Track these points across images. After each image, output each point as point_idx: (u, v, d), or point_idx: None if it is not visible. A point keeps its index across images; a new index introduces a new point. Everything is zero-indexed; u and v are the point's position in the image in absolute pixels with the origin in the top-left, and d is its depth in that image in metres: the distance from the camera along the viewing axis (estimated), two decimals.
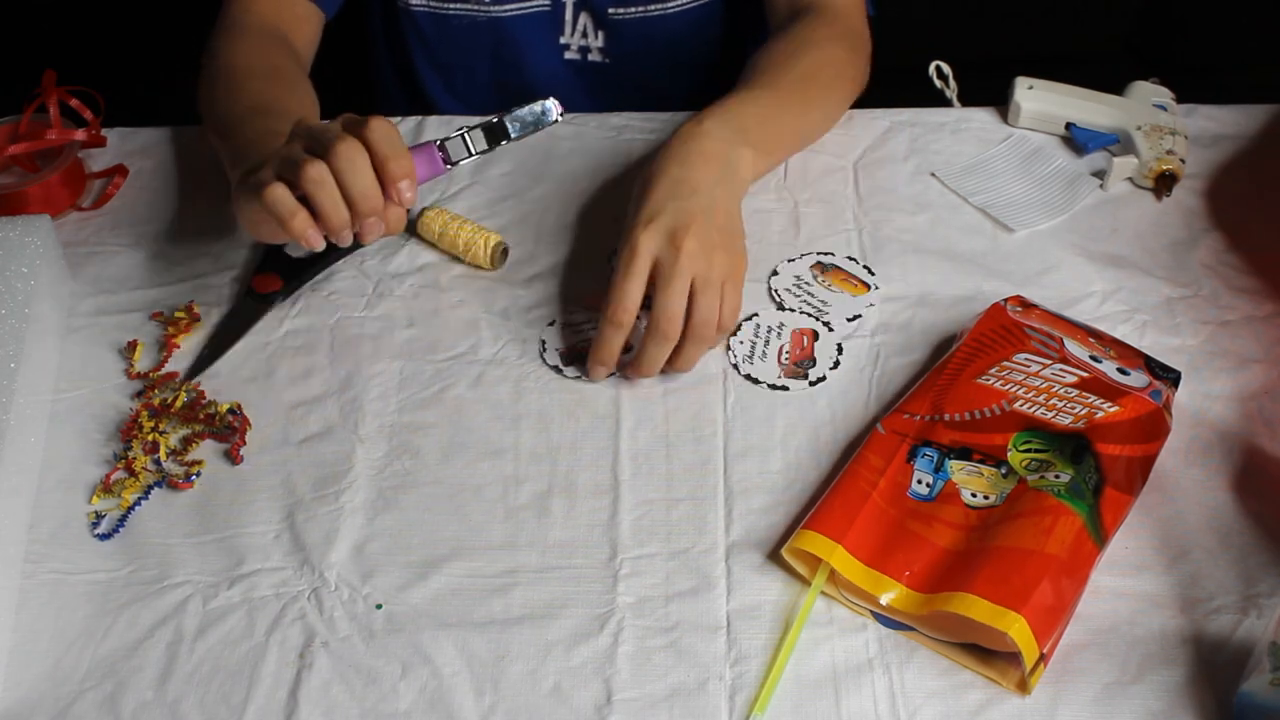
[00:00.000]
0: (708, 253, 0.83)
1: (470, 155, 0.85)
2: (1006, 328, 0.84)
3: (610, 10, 1.12)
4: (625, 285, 0.83)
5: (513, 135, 0.85)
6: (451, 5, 1.12)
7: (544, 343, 0.89)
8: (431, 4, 1.12)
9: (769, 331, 0.90)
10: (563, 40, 1.15)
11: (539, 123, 0.86)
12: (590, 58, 1.16)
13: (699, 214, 0.84)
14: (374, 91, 1.28)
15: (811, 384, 0.86)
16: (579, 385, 0.87)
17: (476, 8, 1.11)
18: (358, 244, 0.81)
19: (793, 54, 0.99)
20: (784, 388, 0.86)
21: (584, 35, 1.15)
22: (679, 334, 0.83)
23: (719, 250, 0.84)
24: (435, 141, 0.84)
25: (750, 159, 0.90)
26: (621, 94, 1.15)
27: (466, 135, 0.84)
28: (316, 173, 0.76)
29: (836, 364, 0.88)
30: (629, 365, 0.86)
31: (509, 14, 1.12)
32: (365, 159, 0.77)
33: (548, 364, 0.88)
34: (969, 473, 0.77)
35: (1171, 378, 0.83)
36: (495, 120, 0.85)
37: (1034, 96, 1.05)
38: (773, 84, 0.96)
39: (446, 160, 0.84)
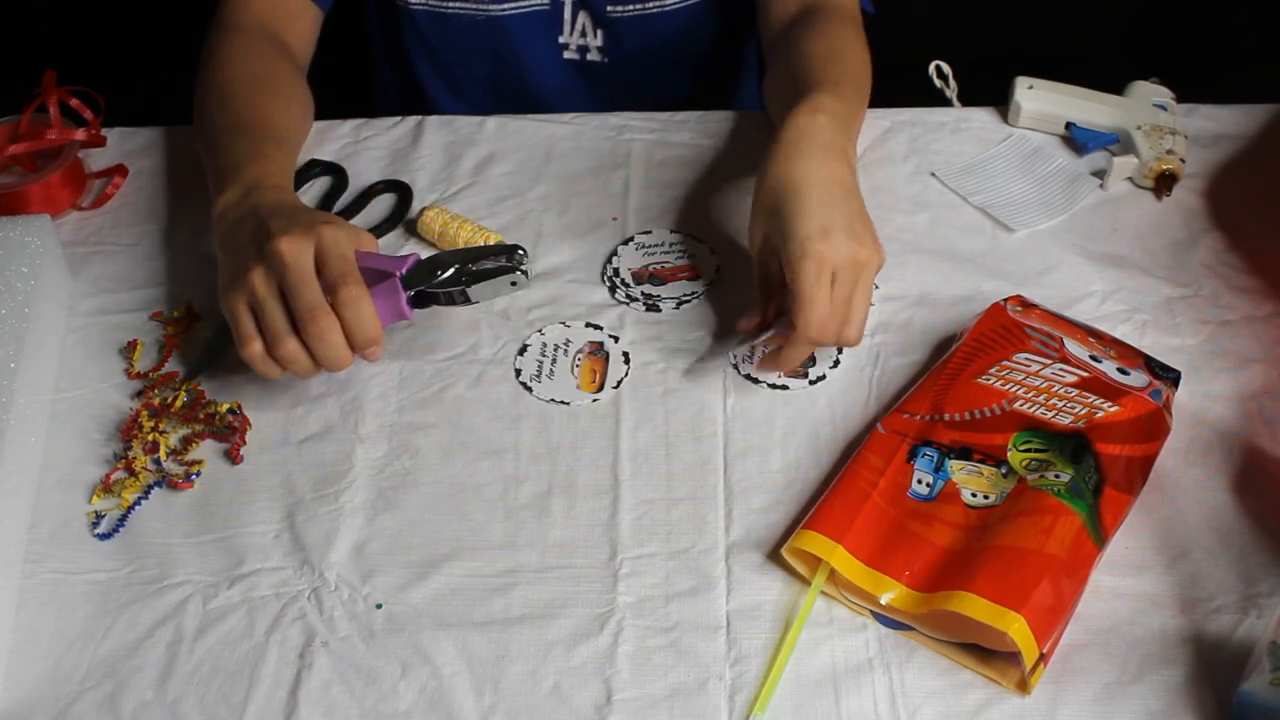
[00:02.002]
0: (871, 254, 0.82)
1: (440, 305, 0.84)
2: (1006, 327, 0.84)
3: (609, 8, 1.12)
4: (818, 298, 0.80)
5: (474, 301, 0.83)
6: (451, 4, 1.12)
7: (518, 371, 0.88)
8: (430, 3, 1.12)
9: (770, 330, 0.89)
10: (561, 39, 1.15)
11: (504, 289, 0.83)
12: (589, 57, 1.16)
13: (860, 215, 0.83)
14: (371, 89, 1.28)
15: (811, 383, 0.86)
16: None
17: (476, 7, 1.11)
18: None
19: (837, 53, 0.98)
20: (784, 387, 0.86)
21: (583, 34, 1.15)
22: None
23: (874, 250, 0.83)
24: (398, 275, 0.80)
25: (853, 151, 0.90)
26: (620, 93, 1.15)
27: (441, 293, 0.82)
28: (290, 352, 0.78)
29: (836, 363, 0.88)
30: (769, 360, 0.87)
31: (508, 13, 1.11)
32: (337, 331, 0.78)
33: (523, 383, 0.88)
34: (969, 472, 0.77)
35: (1171, 377, 0.83)
36: (462, 288, 0.82)
37: (1034, 96, 1.05)
38: (840, 81, 0.94)
39: (413, 304, 0.82)
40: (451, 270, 0.82)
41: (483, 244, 0.94)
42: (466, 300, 0.83)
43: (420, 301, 0.83)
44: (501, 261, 0.83)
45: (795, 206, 0.81)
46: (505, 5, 1.11)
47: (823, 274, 0.80)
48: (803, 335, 0.81)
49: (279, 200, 0.84)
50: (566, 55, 1.16)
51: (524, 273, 0.82)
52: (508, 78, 1.17)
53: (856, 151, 0.90)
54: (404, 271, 0.81)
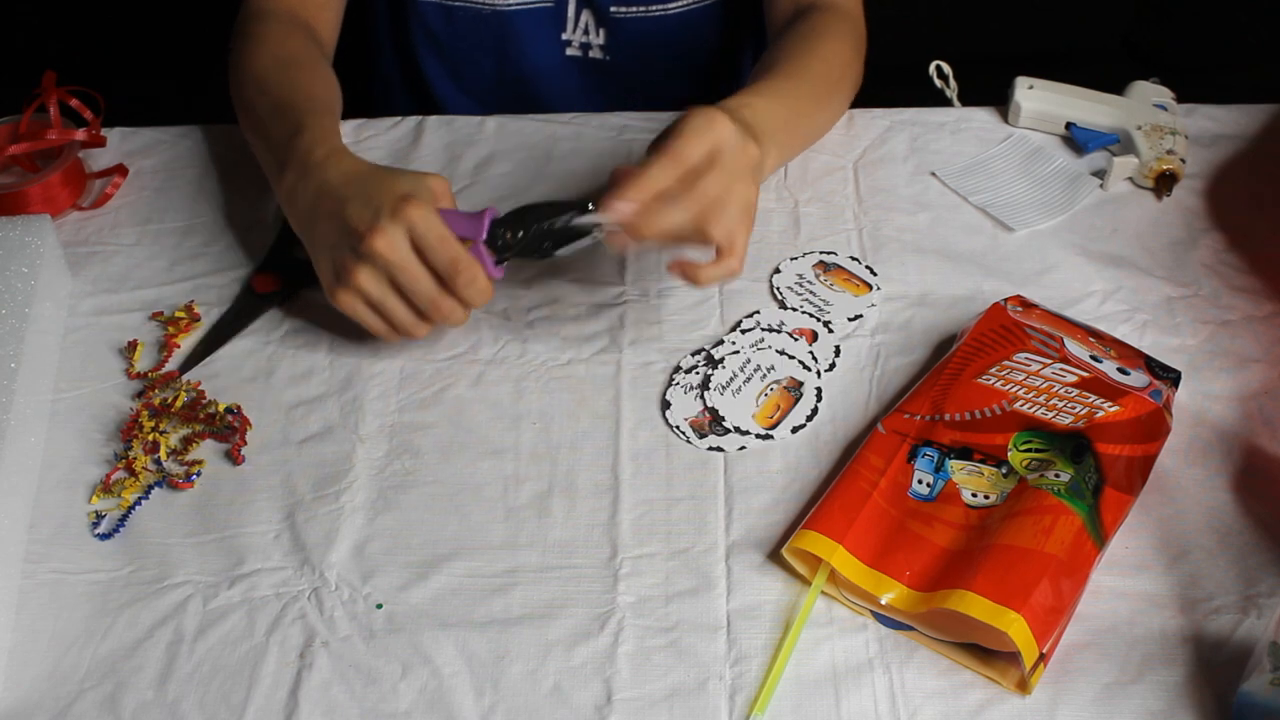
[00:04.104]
0: (749, 176, 0.82)
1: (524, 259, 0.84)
2: (1007, 327, 0.84)
3: (612, 8, 1.12)
4: (689, 141, 0.79)
5: (557, 258, 0.84)
6: None
7: (708, 378, 0.86)
8: None
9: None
10: (564, 36, 1.15)
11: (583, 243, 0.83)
12: (591, 55, 1.16)
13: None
14: (374, 80, 1.28)
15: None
16: (579, 385, 0.87)
17: (482, 1, 1.11)
18: None
19: (806, 53, 0.99)
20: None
21: (585, 32, 1.15)
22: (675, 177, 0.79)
23: (754, 182, 0.82)
24: (481, 243, 0.82)
25: (773, 159, 0.91)
26: (622, 92, 1.15)
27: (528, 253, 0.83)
28: (424, 335, 0.84)
29: (833, 364, 0.87)
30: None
31: (512, 8, 1.12)
32: (458, 308, 0.82)
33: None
34: (969, 472, 0.77)
35: (1171, 377, 0.83)
36: (545, 246, 0.82)
37: (1034, 96, 1.05)
38: (790, 82, 0.95)
39: (497, 264, 0.83)
40: (530, 234, 0.82)
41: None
42: (549, 257, 0.83)
43: (502, 258, 0.83)
44: (573, 214, 0.81)
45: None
46: (510, 1, 1.11)
47: (711, 128, 0.80)
48: (661, 156, 0.78)
49: (342, 172, 0.85)
50: (569, 52, 1.16)
51: (602, 227, 0.81)
52: (511, 72, 1.17)
53: (782, 140, 0.91)
54: (484, 237, 0.82)
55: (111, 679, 0.73)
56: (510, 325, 0.91)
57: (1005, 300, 0.87)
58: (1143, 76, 1.06)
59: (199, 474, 0.83)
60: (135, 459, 0.83)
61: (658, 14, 1.12)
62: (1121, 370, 0.81)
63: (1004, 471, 0.76)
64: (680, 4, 1.12)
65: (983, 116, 1.07)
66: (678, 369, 0.88)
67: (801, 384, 0.86)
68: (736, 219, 0.81)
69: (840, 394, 0.86)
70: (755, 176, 0.83)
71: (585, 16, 1.14)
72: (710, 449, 0.83)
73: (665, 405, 0.85)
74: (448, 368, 0.89)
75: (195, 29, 1.04)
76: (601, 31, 1.14)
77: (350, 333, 0.91)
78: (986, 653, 0.71)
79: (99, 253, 0.98)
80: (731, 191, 0.80)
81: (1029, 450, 0.77)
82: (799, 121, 0.97)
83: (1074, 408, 0.78)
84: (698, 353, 0.89)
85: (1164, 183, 0.99)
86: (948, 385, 0.81)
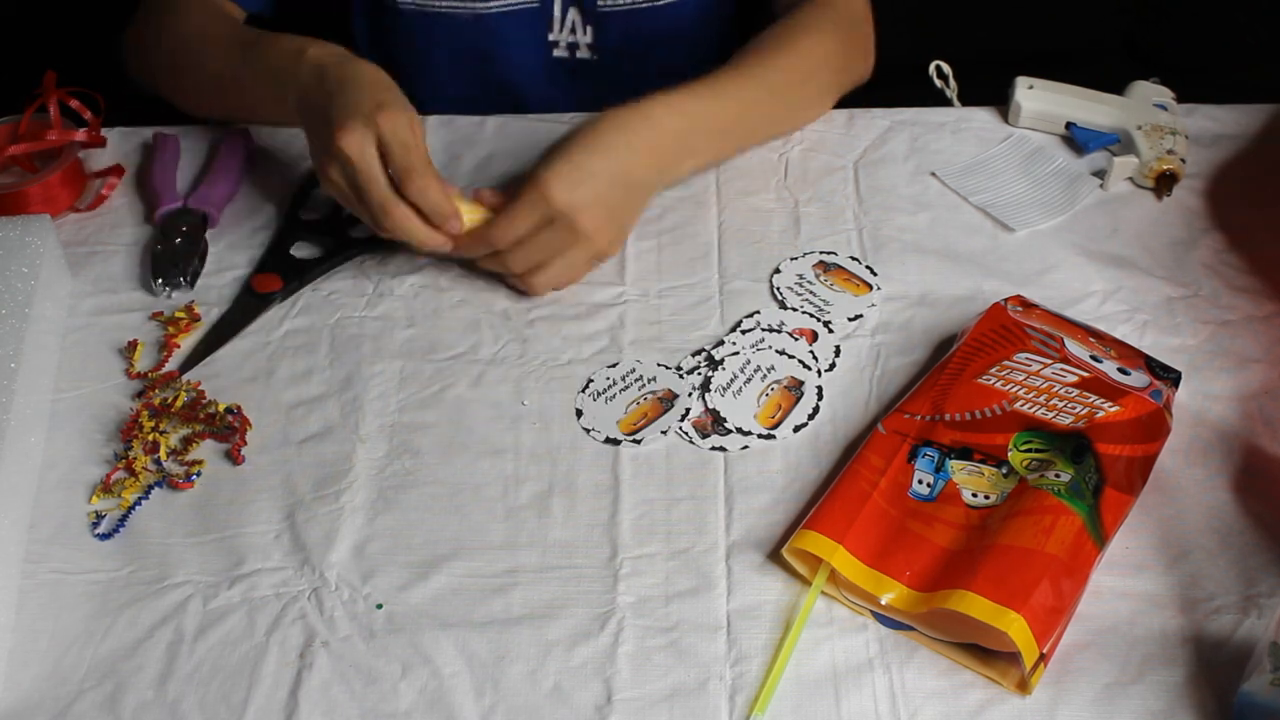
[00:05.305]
0: (599, 238, 0.90)
1: None
2: (1007, 327, 0.84)
3: (599, 3, 1.11)
4: (519, 216, 0.87)
5: None
6: (439, 4, 1.11)
7: (709, 380, 0.86)
8: (419, 2, 1.11)
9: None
10: (551, 37, 1.14)
11: None
12: (579, 54, 1.15)
13: (625, 207, 0.91)
14: None
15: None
16: (580, 385, 0.87)
17: (465, 5, 1.10)
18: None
19: (778, 49, 1.00)
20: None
21: (572, 31, 1.14)
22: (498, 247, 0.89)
23: (604, 237, 0.90)
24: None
25: (700, 159, 0.95)
26: (609, 92, 1.14)
27: None
28: (389, 229, 0.88)
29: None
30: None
31: (494, 10, 1.10)
32: (411, 219, 0.86)
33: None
34: (970, 473, 0.77)
35: (1172, 378, 0.83)
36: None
37: (1034, 96, 1.05)
38: (748, 80, 0.97)
39: None
40: None
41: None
42: None
43: None
44: None
45: (566, 152, 0.89)
46: (492, 3, 1.10)
47: (538, 205, 0.87)
48: (490, 234, 0.87)
49: (344, 70, 0.88)
50: (556, 53, 1.15)
51: None
52: (495, 78, 1.16)
53: (714, 140, 0.97)
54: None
55: (111, 679, 0.73)
56: (510, 325, 0.91)
57: (1005, 300, 0.87)
58: (1143, 76, 1.06)
59: (199, 474, 0.83)
60: (135, 459, 0.83)
61: (646, 6, 1.11)
62: (1122, 370, 0.81)
63: (1004, 471, 0.76)
64: None
65: (983, 116, 1.07)
66: (679, 370, 0.88)
67: (802, 383, 0.86)
68: (555, 278, 0.90)
69: (840, 394, 0.86)
70: (588, 244, 0.89)
71: (572, 14, 1.13)
72: (713, 449, 0.83)
73: None
74: (448, 368, 0.89)
75: None
76: (589, 29, 1.14)
77: (350, 333, 0.91)
78: (987, 653, 0.71)
79: (99, 253, 0.98)
80: (557, 259, 0.89)
81: (1029, 450, 0.77)
82: (748, 118, 0.98)
83: (1074, 408, 0.78)
84: (698, 353, 0.89)
85: (1164, 183, 0.99)
86: (948, 385, 0.81)
